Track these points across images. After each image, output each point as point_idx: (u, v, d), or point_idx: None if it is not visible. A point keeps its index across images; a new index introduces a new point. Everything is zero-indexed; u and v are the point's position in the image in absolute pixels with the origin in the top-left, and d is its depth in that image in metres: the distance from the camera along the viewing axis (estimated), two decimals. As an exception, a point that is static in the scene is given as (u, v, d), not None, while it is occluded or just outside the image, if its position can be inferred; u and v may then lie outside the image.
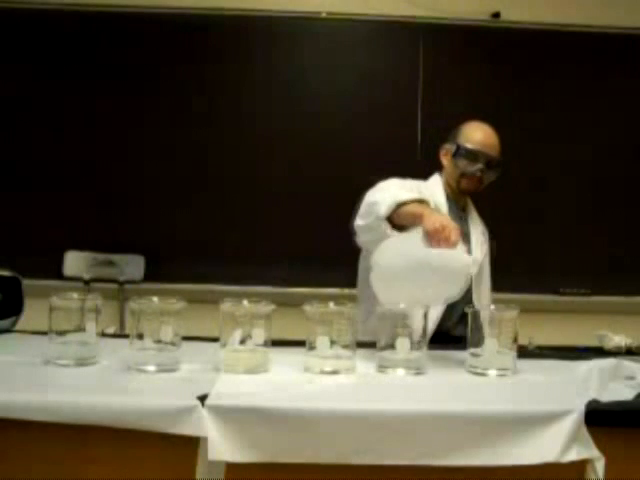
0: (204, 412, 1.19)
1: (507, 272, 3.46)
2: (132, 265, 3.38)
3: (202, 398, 1.21)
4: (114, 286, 3.35)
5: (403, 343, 1.49)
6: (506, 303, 1.57)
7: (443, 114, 3.54)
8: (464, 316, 2.07)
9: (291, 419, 1.20)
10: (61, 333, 1.49)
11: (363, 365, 1.53)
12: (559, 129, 3.55)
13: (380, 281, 1.65)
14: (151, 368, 1.44)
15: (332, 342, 1.49)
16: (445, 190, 2.25)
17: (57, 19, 3.44)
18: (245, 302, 1.49)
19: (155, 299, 1.48)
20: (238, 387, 1.33)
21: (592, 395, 1.31)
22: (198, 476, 1.18)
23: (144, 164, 3.46)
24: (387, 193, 1.87)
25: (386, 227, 1.80)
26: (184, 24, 3.46)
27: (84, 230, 3.42)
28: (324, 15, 3.52)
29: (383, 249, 1.71)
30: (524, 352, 1.67)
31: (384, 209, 1.81)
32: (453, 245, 1.59)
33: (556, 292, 3.52)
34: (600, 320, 2.88)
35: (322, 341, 1.48)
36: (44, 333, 1.52)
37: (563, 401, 1.27)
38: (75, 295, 1.53)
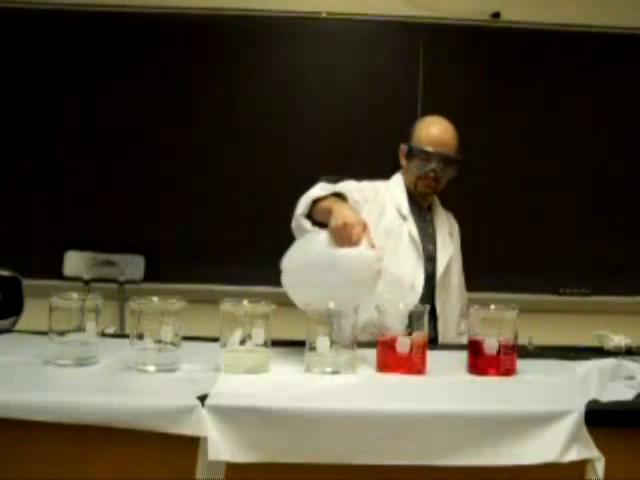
0: (204, 412, 1.19)
1: (507, 272, 3.49)
2: (132, 265, 3.39)
3: (202, 398, 1.21)
4: (114, 286, 3.35)
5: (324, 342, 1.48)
6: (506, 303, 1.57)
7: (443, 114, 3.53)
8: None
9: (291, 419, 1.20)
10: (61, 333, 1.49)
11: (363, 365, 1.53)
12: (559, 129, 3.55)
13: (289, 284, 1.64)
14: (151, 368, 1.43)
15: (332, 342, 1.49)
16: (407, 190, 2.21)
17: (57, 19, 3.45)
18: (245, 302, 1.49)
19: (155, 299, 1.48)
20: (238, 387, 1.33)
21: (592, 395, 1.31)
22: (198, 476, 1.18)
23: (144, 164, 3.46)
24: (311, 191, 1.85)
25: (306, 225, 1.77)
26: (184, 24, 3.47)
27: (84, 230, 3.42)
28: (324, 15, 3.52)
29: (290, 252, 1.69)
30: (524, 352, 1.67)
31: (301, 207, 1.81)
32: (355, 244, 1.56)
33: (556, 292, 3.52)
34: (600, 320, 2.87)
35: (322, 341, 1.48)
36: (44, 333, 1.52)
37: (563, 401, 1.27)
38: (75, 295, 1.53)
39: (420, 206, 2.24)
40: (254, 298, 1.51)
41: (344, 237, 1.58)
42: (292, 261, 1.68)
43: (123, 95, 3.46)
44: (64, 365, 1.46)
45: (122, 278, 3.36)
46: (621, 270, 3.52)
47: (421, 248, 2.16)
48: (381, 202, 2.18)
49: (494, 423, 1.21)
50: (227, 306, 1.48)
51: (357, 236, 1.57)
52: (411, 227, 2.18)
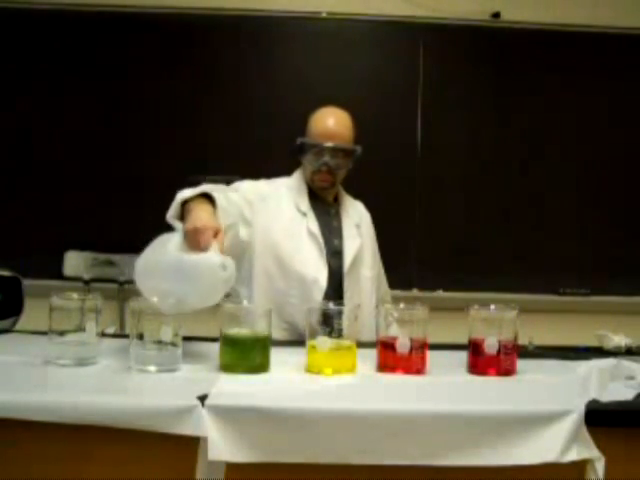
0: (204, 412, 1.19)
1: (507, 272, 3.49)
2: (132, 265, 3.36)
3: (202, 398, 1.21)
4: (114, 286, 3.35)
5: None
6: (506, 303, 1.57)
7: (443, 114, 3.54)
8: None
9: (291, 419, 1.20)
10: (61, 333, 1.49)
11: (363, 365, 1.53)
12: (559, 129, 3.55)
13: (139, 278, 1.66)
14: (151, 368, 1.43)
15: (332, 342, 1.49)
16: (307, 186, 2.18)
17: (57, 19, 3.45)
18: (245, 302, 1.49)
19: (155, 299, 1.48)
20: (238, 387, 1.33)
21: (592, 395, 1.31)
22: (198, 476, 1.18)
23: (144, 164, 3.46)
24: (181, 193, 1.82)
25: (178, 227, 1.73)
26: (184, 24, 3.47)
27: (84, 230, 3.42)
28: (324, 15, 3.52)
29: (145, 252, 1.69)
30: (524, 352, 1.67)
31: (171, 210, 1.79)
32: (203, 250, 1.53)
33: (556, 292, 3.53)
34: (600, 320, 2.87)
35: (322, 341, 1.48)
36: (44, 333, 1.52)
37: (563, 401, 1.27)
38: (75, 295, 1.53)
39: (324, 200, 2.20)
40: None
41: (194, 242, 1.55)
42: (145, 262, 1.67)
43: (123, 95, 3.46)
44: (64, 365, 1.46)
45: (122, 278, 3.36)
46: (621, 270, 3.52)
47: (323, 243, 2.12)
48: (279, 199, 2.15)
49: (494, 423, 1.21)
50: (227, 306, 1.48)
51: (205, 242, 1.53)
52: (311, 223, 2.13)
